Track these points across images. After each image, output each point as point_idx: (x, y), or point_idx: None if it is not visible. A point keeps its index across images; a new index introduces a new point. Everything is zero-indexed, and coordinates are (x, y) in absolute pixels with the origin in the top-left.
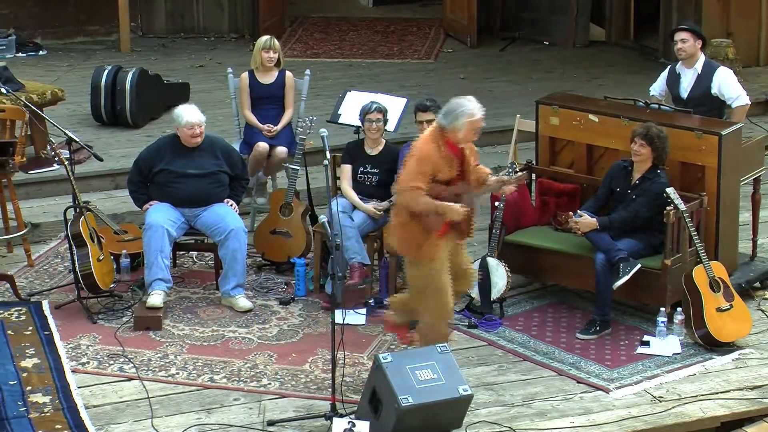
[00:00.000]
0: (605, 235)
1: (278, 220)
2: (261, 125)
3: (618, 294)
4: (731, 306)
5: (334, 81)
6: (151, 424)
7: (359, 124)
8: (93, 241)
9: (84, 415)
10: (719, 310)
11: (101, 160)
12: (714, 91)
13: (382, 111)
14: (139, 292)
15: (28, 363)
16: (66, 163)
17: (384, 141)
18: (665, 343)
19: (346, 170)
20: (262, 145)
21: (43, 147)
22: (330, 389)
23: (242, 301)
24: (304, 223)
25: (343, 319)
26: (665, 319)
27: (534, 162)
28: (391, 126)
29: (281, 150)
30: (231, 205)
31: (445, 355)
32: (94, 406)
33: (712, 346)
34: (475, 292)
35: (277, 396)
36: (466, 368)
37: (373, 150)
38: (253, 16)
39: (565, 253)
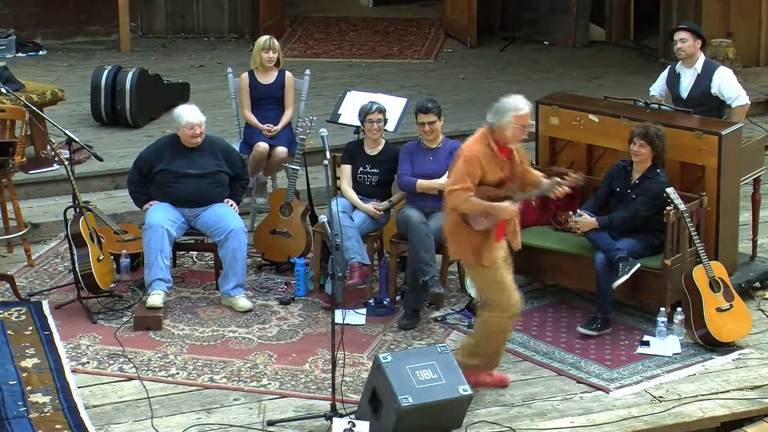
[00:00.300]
0: (605, 234)
1: (278, 220)
2: (261, 125)
3: (618, 294)
4: (731, 306)
5: (334, 81)
6: (151, 424)
7: (359, 124)
8: (93, 241)
9: (84, 415)
10: (719, 310)
11: (101, 160)
12: (714, 90)
13: (383, 111)
14: (139, 292)
15: (28, 363)
16: (66, 163)
17: (384, 141)
18: (665, 343)
19: (345, 170)
20: (262, 145)
21: (43, 147)
22: (330, 389)
23: (242, 301)
24: (304, 223)
25: (343, 319)
26: (665, 319)
27: (534, 162)
28: (391, 126)
29: (281, 150)
30: (231, 205)
31: (445, 355)
32: (94, 406)
33: (712, 346)
34: (475, 293)
35: (277, 396)
36: None
37: (372, 150)
38: (253, 16)
39: (565, 253)
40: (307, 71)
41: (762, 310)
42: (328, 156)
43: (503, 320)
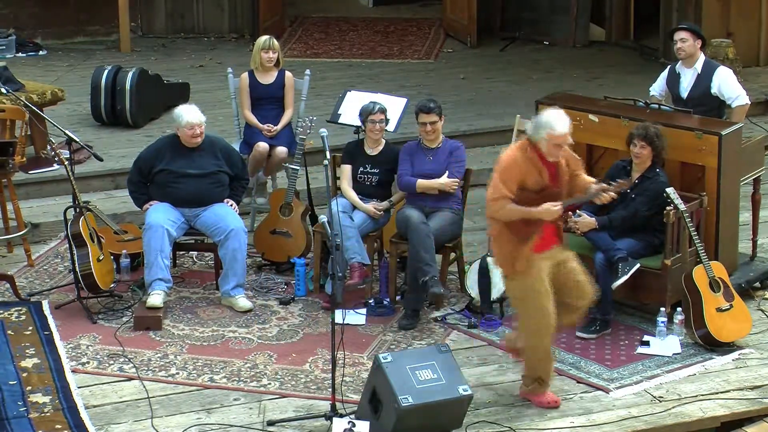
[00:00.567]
0: (605, 234)
1: (278, 220)
2: (261, 125)
3: (618, 294)
4: (731, 306)
5: (334, 81)
6: (151, 424)
7: (359, 124)
8: (93, 241)
9: (84, 415)
10: (719, 310)
11: (101, 160)
12: (714, 90)
13: (384, 111)
14: (139, 292)
15: (28, 363)
16: (66, 163)
17: (384, 141)
18: (665, 343)
19: (346, 170)
20: (262, 145)
21: (43, 147)
22: (330, 389)
23: (242, 301)
24: (304, 223)
25: (343, 319)
26: (665, 319)
27: None
28: (391, 126)
29: (281, 150)
30: (231, 205)
31: (445, 355)
32: (94, 406)
33: (712, 346)
34: (475, 292)
35: (277, 396)
36: (466, 368)
37: (373, 150)
38: (253, 16)
39: None
40: (307, 71)
41: (762, 310)
42: (328, 156)
43: (542, 338)
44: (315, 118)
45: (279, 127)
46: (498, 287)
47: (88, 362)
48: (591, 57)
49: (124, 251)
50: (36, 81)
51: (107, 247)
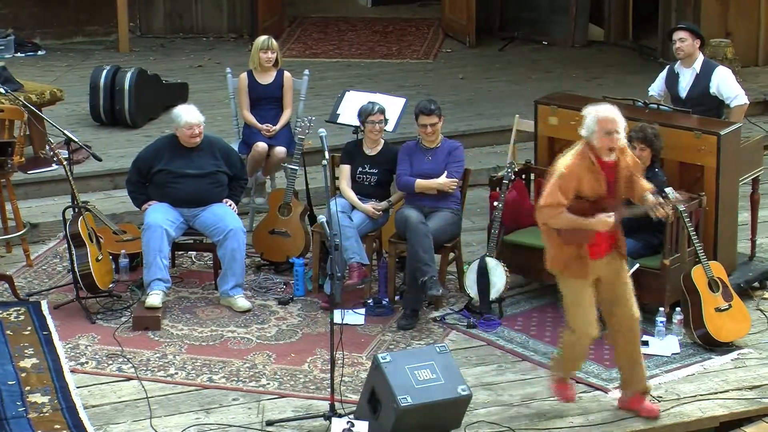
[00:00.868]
0: None
1: (277, 220)
2: (260, 125)
3: None
4: (730, 306)
5: (332, 81)
6: (149, 424)
7: (358, 124)
8: (92, 241)
9: (83, 415)
10: (718, 310)
11: (100, 160)
12: (712, 90)
13: (384, 112)
14: (138, 292)
15: (26, 363)
16: (65, 163)
17: (383, 141)
18: (664, 343)
19: (344, 170)
20: (261, 145)
21: (42, 147)
22: (329, 389)
23: (241, 301)
24: (303, 223)
25: (342, 319)
26: (664, 319)
27: (533, 162)
28: (390, 126)
29: (280, 150)
30: (230, 205)
31: (444, 355)
32: (93, 406)
33: (711, 346)
34: (474, 293)
35: (276, 396)
36: (465, 368)
37: (371, 150)
38: (252, 16)
39: None
40: (306, 71)
41: (761, 310)
42: (326, 156)
43: (581, 344)
44: (314, 118)
45: (278, 127)
46: (497, 287)
47: (86, 362)
48: (590, 57)
49: (122, 251)
50: (35, 81)
51: (106, 247)
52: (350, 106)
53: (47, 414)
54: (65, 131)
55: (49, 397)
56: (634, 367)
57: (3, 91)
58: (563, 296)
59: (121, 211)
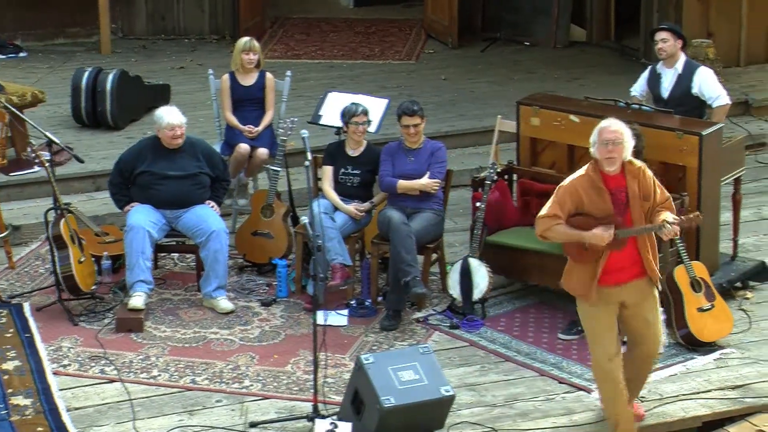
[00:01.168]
0: None
1: (259, 221)
2: (242, 126)
3: None
4: (712, 306)
5: (315, 82)
6: (132, 426)
7: (340, 125)
8: (74, 243)
9: (66, 417)
10: (700, 310)
11: (82, 161)
12: (694, 90)
13: (367, 113)
14: (121, 294)
15: (9, 365)
16: (47, 165)
17: (365, 142)
18: None
19: (327, 171)
20: (243, 147)
21: (24, 149)
22: (312, 390)
23: (224, 303)
24: (286, 225)
25: (325, 320)
26: None
27: (515, 162)
28: (372, 127)
29: (262, 151)
30: (212, 207)
31: (427, 356)
32: (76, 409)
33: (694, 346)
34: (456, 293)
35: (259, 397)
36: (448, 369)
37: (354, 151)
38: (234, 17)
39: (547, 253)
40: (288, 72)
41: (743, 310)
42: (309, 157)
43: (602, 367)
44: (296, 120)
45: (260, 128)
46: (480, 288)
47: (69, 364)
48: (572, 58)
49: (105, 253)
50: (16, 83)
51: (88, 248)
52: (332, 107)
53: (30, 416)
54: (47, 133)
55: (32, 399)
56: (636, 385)
57: None
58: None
59: (104, 213)
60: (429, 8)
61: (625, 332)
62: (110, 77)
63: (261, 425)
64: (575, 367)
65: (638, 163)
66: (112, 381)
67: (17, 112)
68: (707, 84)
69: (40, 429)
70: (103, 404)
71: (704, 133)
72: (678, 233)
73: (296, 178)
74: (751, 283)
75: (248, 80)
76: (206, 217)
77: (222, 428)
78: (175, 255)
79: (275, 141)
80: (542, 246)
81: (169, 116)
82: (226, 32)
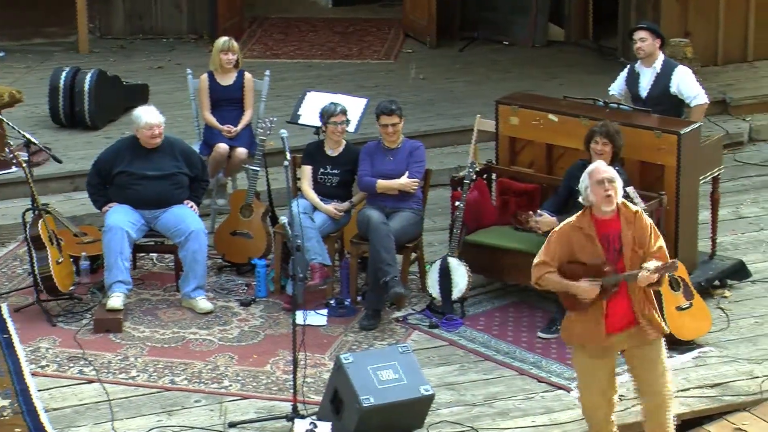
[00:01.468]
0: None
1: (238, 221)
2: (221, 126)
3: None
4: (691, 305)
5: (293, 82)
6: (111, 427)
7: (319, 124)
8: (52, 244)
9: (44, 418)
10: (679, 308)
11: (60, 162)
12: (673, 89)
13: (345, 113)
14: (99, 295)
15: None
16: (24, 165)
17: (344, 142)
18: None
19: (306, 171)
20: (222, 146)
21: (1, 149)
22: (291, 390)
23: (203, 303)
24: (265, 224)
25: (304, 320)
26: None
27: (494, 162)
28: (351, 127)
29: (241, 151)
30: (191, 207)
31: (407, 356)
32: (54, 410)
33: (672, 344)
34: (436, 293)
35: (239, 397)
36: (428, 368)
37: (333, 151)
38: (212, 17)
39: (526, 252)
40: (267, 72)
41: (721, 309)
42: (288, 157)
43: (589, 421)
44: (275, 119)
45: (239, 128)
46: (459, 287)
47: (47, 365)
48: (550, 57)
49: (83, 253)
50: None
51: (66, 249)
52: (311, 107)
53: (8, 417)
54: (25, 133)
55: (10, 400)
56: None
57: None
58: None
59: (82, 213)
60: (408, 7)
61: (635, 383)
62: (88, 77)
63: (240, 425)
64: (554, 366)
65: (634, 207)
66: (90, 381)
67: None
68: (685, 83)
69: (18, 430)
70: (81, 405)
71: (683, 132)
72: (654, 280)
73: (275, 178)
74: (730, 282)
75: (227, 80)
76: (185, 217)
77: (201, 428)
78: (154, 255)
79: (254, 141)
80: (521, 245)
81: (148, 116)
82: (204, 32)
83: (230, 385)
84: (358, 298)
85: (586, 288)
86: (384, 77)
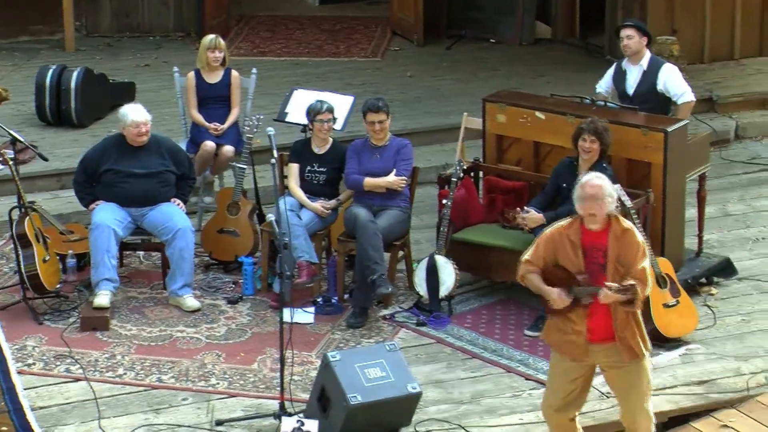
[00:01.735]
0: None
1: (225, 219)
2: (208, 124)
3: None
4: (678, 302)
5: (280, 80)
6: (98, 425)
7: (306, 122)
8: (38, 242)
9: (30, 416)
10: (666, 306)
11: (46, 160)
12: (660, 87)
13: (332, 110)
14: (86, 293)
15: None
16: (10, 163)
17: (331, 140)
18: None
19: (293, 169)
20: (209, 144)
21: None
22: (279, 388)
23: (190, 301)
24: (252, 222)
25: (292, 318)
26: None
27: (481, 159)
28: (338, 125)
29: (228, 149)
30: (178, 205)
31: (394, 353)
32: (41, 408)
33: (659, 341)
34: (423, 290)
35: (226, 395)
36: (415, 366)
37: (320, 149)
38: (199, 14)
39: (513, 249)
40: (254, 70)
41: (708, 306)
42: (275, 155)
43: (543, 413)
44: (262, 117)
45: (226, 125)
46: (446, 285)
47: (34, 363)
48: (537, 55)
49: (70, 251)
50: None
51: (53, 247)
52: (298, 105)
53: None
54: (11, 131)
55: None
56: None
57: None
58: None
59: (69, 211)
60: (395, 6)
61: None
62: (75, 75)
63: (227, 423)
64: (542, 364)
65: (626, 224)
66: (77, 380)
67: None
68: (672, 81)
69: (4, 429)
70: (67, 403)
71: (669, 129)
72: (615, 300)
73: (262, 176)
74: (716, 279)
75: (214, 78)
76: (172, 215)
77: (188, 426)
78: (141, 253)
79: (241, 138)
80: (508, 243)
81: (134, 114)
82: (191, 30)
83: (217, 383)
84: (346, 296)
85: (554, 298)
86: (371, 75)
